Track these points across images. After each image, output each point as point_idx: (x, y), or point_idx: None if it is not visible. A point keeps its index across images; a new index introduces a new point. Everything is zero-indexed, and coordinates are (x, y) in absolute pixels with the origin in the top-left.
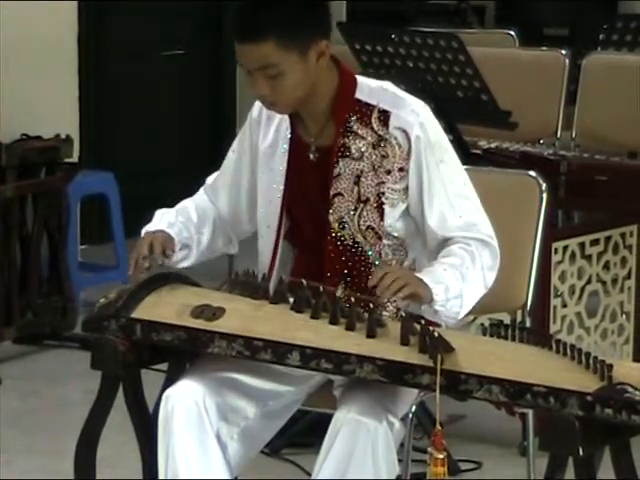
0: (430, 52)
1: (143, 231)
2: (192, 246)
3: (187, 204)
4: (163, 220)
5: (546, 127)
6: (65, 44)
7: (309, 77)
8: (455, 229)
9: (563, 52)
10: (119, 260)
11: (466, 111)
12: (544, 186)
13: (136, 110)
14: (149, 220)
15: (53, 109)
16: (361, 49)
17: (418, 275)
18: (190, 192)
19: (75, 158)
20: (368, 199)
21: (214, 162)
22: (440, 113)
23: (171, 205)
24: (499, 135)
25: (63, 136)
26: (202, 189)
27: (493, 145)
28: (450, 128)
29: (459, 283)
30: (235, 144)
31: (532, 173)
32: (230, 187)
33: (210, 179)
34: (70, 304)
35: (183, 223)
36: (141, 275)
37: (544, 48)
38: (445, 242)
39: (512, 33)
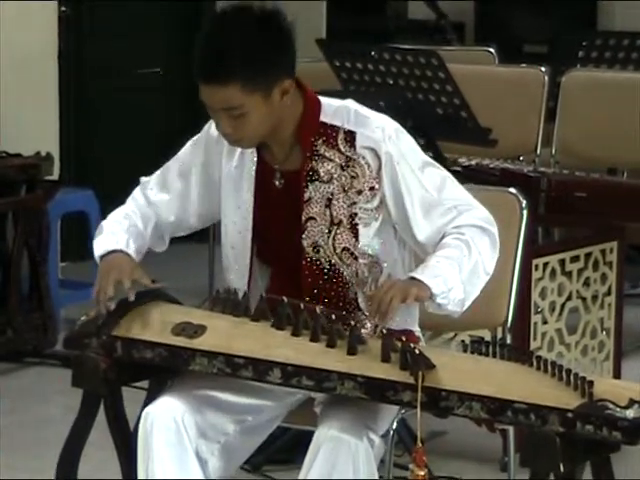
0: (410, 69)
1: (97, 248)
2: (140, 252)
3: (130, 212)
4: (119, 238)
5: (526, 144)
6: (45, 62)
7: (273, 115)
8: (447, 223)
9: (542, 69)
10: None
11: (446, 128)
12: (524, 203)
13: (116, 128)
14: None
15: (33, 127)
16: (341, 66)
17: (413, 275)
18: None
19: (55, 176)
20: (341, 221)
21: None
22: (420, 130)
23: None
24: (479, 152)
25: (43, 154)
26: (140, 191)
27: (473, 162)
28: (430, 145)
29: (457, 272)
30: (184, 156)
31: (512, 190)
32: (175, 200)
33: (150, 185)
34: (50, 321)
35: (135, 233)
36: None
37: (523, 65)
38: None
39: (492, 50)
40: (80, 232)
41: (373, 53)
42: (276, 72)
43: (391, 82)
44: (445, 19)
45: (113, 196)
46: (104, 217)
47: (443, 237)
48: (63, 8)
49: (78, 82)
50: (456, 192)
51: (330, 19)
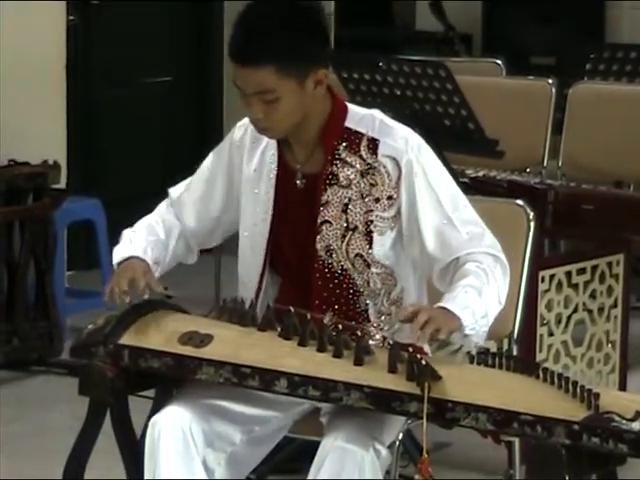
0: (417, 80)
1: (115, 255)
2: (160, 262)
3: (152, 222)
4: (137, 245)
5: (533, 156)
6: (53, 70)
7: (304, 104)
8: (462, 247)
9: (550, 81)
10: (106, 286)
11: (453, 139)
12: (532, 215)
13: (123, 136)
14: None
15: (41, 135)
16: (348, 77)
17: (443, 305)
18: None
19: (62, 184)
20: (356, 227)
21: None
22: (427, 141)
23: None
24: (486, 163)
25: (51, 162)
26: (166, 203)
27: (480, 174)
28: (437, 156)
29: (482, 302)
30: (208, 163)
31: (520, 202)
32: (198, 205)
33: (175, 193)
34: (57, 330)
35: (154, 242)
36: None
37: (531, 77)
38: (454, 262)
39: (499, 62)
40: (87, 241)
41: (381, 64)
42: (312, 60)
43: (398, 93)
44: (453, 31)
45: (120, 205)
46: (111, 226)
47: (457, 261)
48: (71, 17)
49: (86, 91)
50: (470, 214)
51: (338, 30)
